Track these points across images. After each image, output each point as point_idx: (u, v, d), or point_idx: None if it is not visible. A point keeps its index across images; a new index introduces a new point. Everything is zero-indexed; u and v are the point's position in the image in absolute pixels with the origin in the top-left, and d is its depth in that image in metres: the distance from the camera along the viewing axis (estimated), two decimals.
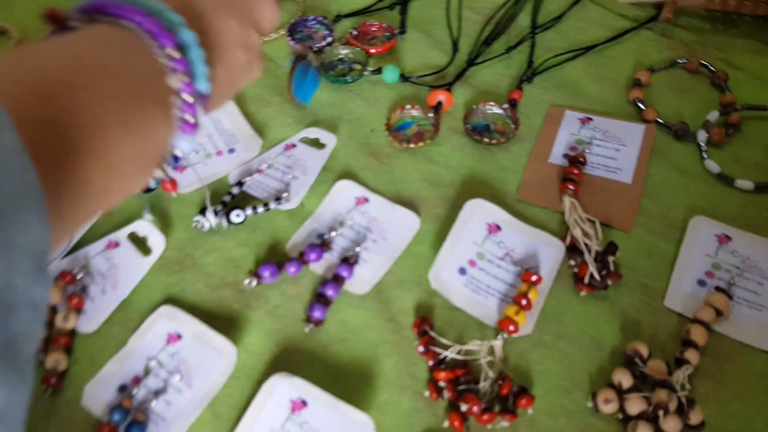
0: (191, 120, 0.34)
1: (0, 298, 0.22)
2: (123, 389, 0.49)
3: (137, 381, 0.49)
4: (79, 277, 0.54)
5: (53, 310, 0.52)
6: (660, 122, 0.64)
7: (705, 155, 0.61)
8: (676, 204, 0.58)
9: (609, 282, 0.53)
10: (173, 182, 0.37)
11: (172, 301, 0.54)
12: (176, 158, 0.35)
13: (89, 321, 0.53)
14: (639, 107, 0.66)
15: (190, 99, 0.33)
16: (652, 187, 0.60)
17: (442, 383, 0.48)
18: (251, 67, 0.42)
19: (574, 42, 0.74)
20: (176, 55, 0.32)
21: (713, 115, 0.63)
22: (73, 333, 0.52)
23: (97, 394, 0.49)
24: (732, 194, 0.59)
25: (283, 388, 0.48)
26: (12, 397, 0.21)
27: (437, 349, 0.50)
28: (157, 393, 0.49)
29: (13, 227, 0.22)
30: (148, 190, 0.60)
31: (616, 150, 0.62)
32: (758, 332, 0.50)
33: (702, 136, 0.62)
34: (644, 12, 0.76)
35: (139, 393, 0.49)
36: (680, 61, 0.70)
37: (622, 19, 0.76)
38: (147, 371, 0.50)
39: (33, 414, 0.48)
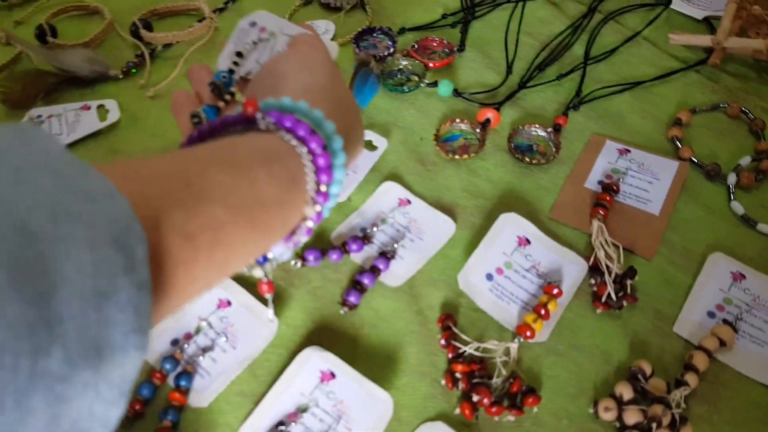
0: (312, 226, 0.39)
1: (76, 425, 0.23)
2: (175, 343, 0.55)
3: (188, 337, 0.56)
4: None
5: None
6: (694, 161, 0.68)
7: (732, 197, 0.65)
8: (699, 239, 0.62)
9: (624, 303, 0.57)
10: (270, 284, 0.43)
11: None
12: (265, 258, 0.40)
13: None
14: (676, 145, 0.70)
15: (312, 224, 0.38)
16: (678, 221, 0.64)
17: (458, 375, 0.53)
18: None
19: (623, 76, 0.78)
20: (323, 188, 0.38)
21: (745, 160, 0.67)
22: None
23: (153, 345, 0.55)
24: (753, 236, 0.62)
25: (316, 359, 0.53)
26: None
27: (457, 344, 0.55)
28: (205, 350, 0.55)
29: (112, 366, 0.23)
30: None
31: (649, 183, 0.66)
32: (759, 366, 0.54)
33: (732, 178, 0.65)
34: (694, 55, 0.80)
35: (189, 348, 0.55)
36: (722, 106, 0.73)
37: (673, 59, 0.80)
38: (198, 330, 0.56)
39: None
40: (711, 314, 0.57)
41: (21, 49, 0.79)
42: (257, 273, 0.39)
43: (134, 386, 0.25)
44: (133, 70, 0.79)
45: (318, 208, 0.38)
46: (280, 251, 0.39)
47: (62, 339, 0.21)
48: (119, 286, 0.24)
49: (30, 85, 0.75)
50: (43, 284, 0.21)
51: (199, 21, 0.83)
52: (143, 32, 0.81)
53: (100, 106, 0.74)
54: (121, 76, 0.78)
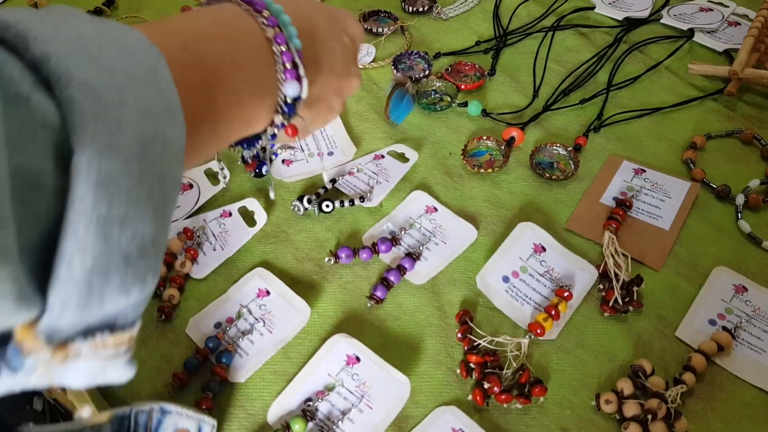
0: (289, 65, 0.40)
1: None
2: (218, 326, 0.62)
3: (230, 321, 0.62)
4: (197, 234, 0.68)
5: (174, 256, 0.66)
6: (705, 182, 0.72)
7: (740, 216, 0.69)
8: (705, 254, 0.66)
9: (630, 308, 0.61)
10: (293, 127, 0.43)
11: (266, 264, 0.66)
12: (290, 107, 0.41)
13: (200, 269, 0.66)
14: (689, 167, 0.74)
15: (284, 47, 0.40)
16: (687, 236, 0.68)
17: (472, 365, 0.58)
18: (349, 72, 0.48)
19: (643, 102, 0.83)
20: (268, 20, 0.40)
21: (754, 183, 0.71)
22: (186, 276, 0.65)
23: (198, 327, 0.62)
24: (757, 253, 0.66)
25: (343, 345, 0.59)
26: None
27: (473, 337, 0.60)
28: (244, 333, 0.61)
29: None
30: (261, 175, 0.73)
31: (661, 200, 0.71)
32: (754, 370, 0.58)
33: (740, 199, 0.70)
34: (712, 84, 0.84)
35: (230, 330, 0.61)
36: (736, 132, 0.77)
37: (691, 88, 0.85)
38: (239, 315, 0.62)
39: (146, 333, 0.61)
40: (712, 322, 0.61)
41: None
42: (277, 119, 0.41)
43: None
44: None
45: (275, 31, 0.40)
46: (290, 90, 0.41)
47: None
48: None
49: None
50: None
51: None
52: None
53: None
54: None
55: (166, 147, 0.28)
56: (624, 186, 0.73)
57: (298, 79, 0.40)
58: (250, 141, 0.43)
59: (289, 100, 0.41)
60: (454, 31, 0.96)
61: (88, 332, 0.27)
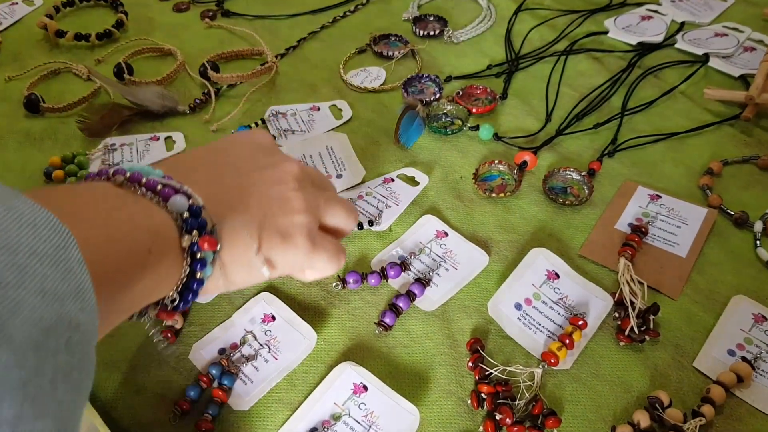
0: (152, 194, 0.39)
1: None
2: (222, 352, 0.60)
3: (235, 347, 0.60)
4: None
5: None
6: (723, 209, 0.70)
7: (758, 243, 0.67)
8: (723, 282, 0.64)
9: (647, 337, 0.59)
10: (210, 240, 0.41)
11: (272, 289, 0.65)
12: (193, 221, 0.40)
13: (205, 294, 0.64)
14: (706, 193, 0.72)
15: (141, 188, 0.39)
16: (704, 263, 0.66)
17: (483, 395, 0.56)
18: (283, 195, 0.47)
19: (658, 127, 0.82)
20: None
21: None
22: None
23: (202, 353, 0.60)
24: None
25: (350, 373, 0.57)
26: None
27: (484, 366, 0.58)
28: (249, 359, 0.59)
29: None
30: None
31: (678, 227, 0.69)
32: None
33: (758, 226, 0.68)
34: (729, 109, 0.83)
35: (234, 356, 0.60)
36: (753, 158, 0.76)
37: (708, 113, 0.83)
38: (243, 341, 0.61)
39: (149, 358, 0.60)
40: (731, 352, 0.59)
41: (100, 84, 0.88)
42: (185, 241, 0.40)
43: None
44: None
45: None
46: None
47: None
48: None
49: (107, 116, 0.83)
50: None
51: (262, 64, 0.90)
52: (210, 73, 0.88)
53: (168, 138, 0.81)
54: (188, 112, 0.85)
55: (73, 331, 0.25)
56: (639, 212, 0.71)
57: (178, 192, 0.40)
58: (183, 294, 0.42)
59: (185, 216, 0.39)
60: (465, 55, 0.96)
61: None
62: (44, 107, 0.85)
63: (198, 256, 0.40)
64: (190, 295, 0.41)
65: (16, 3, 1.08)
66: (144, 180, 0.39)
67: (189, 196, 0.40)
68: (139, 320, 0.43)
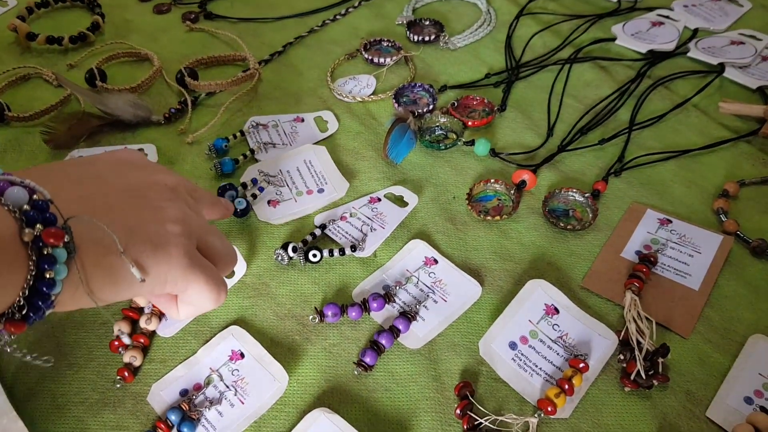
0: None
1: None
2: (184, 393, 0.54)
3: (198, 388, 0.54)
4: None
5: (140, 311, 0.58)
6: (739, 235, 0.64)
7: None
8: (739, 318, 0.58)
9: (655, 382, 0.53)
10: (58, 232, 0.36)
11: (242, 322, 0.59)
12: (36, 213, 0.36)
13: (168, 327, 0.59)
14: (721, 217, 0.66)
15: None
16: (719, 297, 0.60)
17: None
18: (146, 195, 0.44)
19: (668, 143, 0.76)
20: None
21: None
22: (152, 334, 0.58)
23: (161, 394, 0.54)
24: None
25: (324, 422, 0.51)
26: None
27: (474, 415, 0.52)
28: (212, 402, 0.53)
29: None
30: (243, 214, 0.66)
31: (690, 256, 0.63)
32: None
33: None
34: (746, 125, 0.77)
35: (197, 399, 0.54)
36: None
37: (723, 128, 0.77)
38: (208, 381, 0.55)
39: (103, 399, 0.54)
40: (748, 400, 0.53)
41: (70, 91, 0.82)
42: (27, 236, 0.36)
43: None
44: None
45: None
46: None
47: None
48: None
49: (75, 126, 0.77)
50: None
51: (244, 71, 0.84)
52: (188, 80, 0.82)
53: (140, 150, 0.75)
54: (162, 122, 0.80)
55: None
56: (648, 238, 0.65)
57: (16, 185, 0.36)
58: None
59: (25, 208, 0.36)
60: (462, 62, 0.90)
61: None
62: (9, 116, 0.79)
63: (44, 252, 0.35)
64: (41, 301, 0.36)
65: None
66: None
67: (33, 191, 0.37)
68: None
